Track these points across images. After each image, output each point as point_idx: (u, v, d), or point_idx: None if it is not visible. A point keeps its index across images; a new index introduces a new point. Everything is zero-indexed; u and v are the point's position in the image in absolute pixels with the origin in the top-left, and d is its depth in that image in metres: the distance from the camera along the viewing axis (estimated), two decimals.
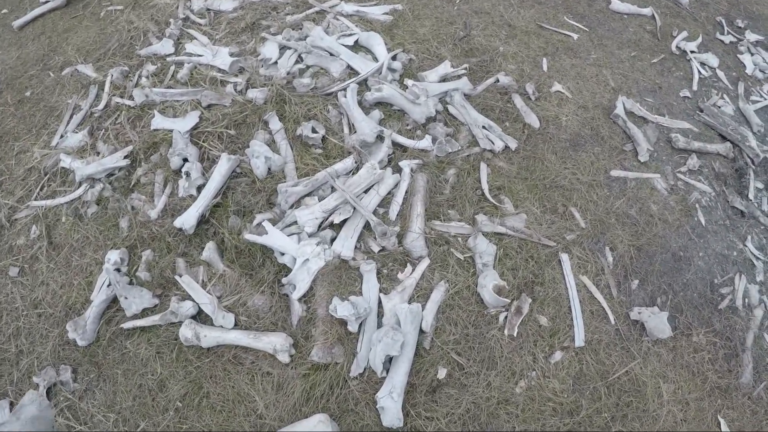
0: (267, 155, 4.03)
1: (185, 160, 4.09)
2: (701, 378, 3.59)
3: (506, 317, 3.57)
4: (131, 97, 4.66)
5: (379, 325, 3.44)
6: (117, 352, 3.50)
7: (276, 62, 4.81)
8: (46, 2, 5.90)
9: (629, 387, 3.49)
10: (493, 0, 5.62)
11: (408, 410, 3.23)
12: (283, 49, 4.89)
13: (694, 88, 5.23)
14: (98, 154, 4.31)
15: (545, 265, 3.80)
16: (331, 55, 4.79)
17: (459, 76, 4.80)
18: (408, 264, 3.74)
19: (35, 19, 5.81)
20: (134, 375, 3.42)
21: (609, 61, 5.27)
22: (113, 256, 3.71)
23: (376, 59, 4.79)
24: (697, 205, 4.32)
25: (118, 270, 3.75)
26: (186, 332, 3.40)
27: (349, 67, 4.73)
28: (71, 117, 4.68)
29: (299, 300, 3.54)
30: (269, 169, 4.08)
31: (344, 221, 3.82)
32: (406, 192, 4.01)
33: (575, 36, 5.42)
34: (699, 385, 3.56)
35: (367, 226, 3.81)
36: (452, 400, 3.29)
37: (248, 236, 3.71)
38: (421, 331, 3.45)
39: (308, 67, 4.75)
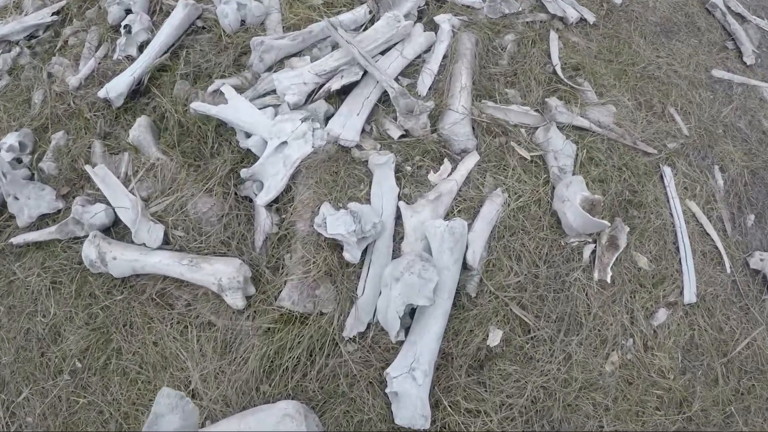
0: (241, 1, 2.14)
1: (129, 12, 2.43)
2: None
3: (594, 252, 1.91)
4: None
5: (397, 254, 1.79)
6: (2, 279, 2.05)
7: None
8: None
9: (751, 365, 2.02)
10: None
11: (438, 398, 1.68)
12: None
13: None
14: (22, 13, 2.70)
15: (644, 179, 2.13)
16: None
17: None
18: (445, 159, 1.92)
19: None
20: (20, 315, 1.97)
21: None
22: (10, 139, 2.20)
23: None
24: None
25: (18, 160, 2.17)
26: (89, 251, 1.86)
27: None
28: None
29: (268, 207, 1.89)
30: (243, 21, 2.28)
31: (348, 91, 2.03)
32: (445, 56, 2.17)
33: None
34: None
35: (383, 99, 2.05)
36: (510, 381, 1.74)
37: (196, 105, 2.00)
38: (465, 267, 1.76)
39: None
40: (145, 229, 1.85)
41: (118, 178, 2.02)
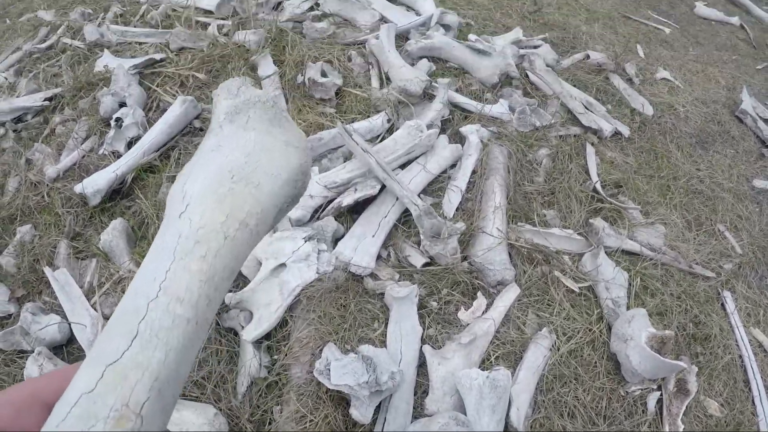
0: None
1: (123, 105, 2.21)
2: None
3: (660, 401, 1.57)
4: (83, 40, 2.75)
5: (418, 412, 1.44)
6: None
7: (281, 6, 2.73)
8: None
9: None
10: None
11: None
12: None
13: None
14: (15, 94, 2.50)
15: (706, 307, 1.85)
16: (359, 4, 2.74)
17: (535, 47, 2.69)
18: (479, 293, 1.58)
19: None
20: None
21: (711, 60, 3.42)
22: None
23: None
24: None
25: None
26: (32, 371, 1.54)
27: (382, 19, 2.63)
28: (6, 59, 2.86)
29: (257, 344, 1.53)
30: None
31: (361, 208, 1.76)
32: (474, 172, 1.88)
33: (667, 30, 3.63)
34: None
35: (403, 219, 1.78)
36: None
37: None
38: (507, 428, 1.39)
39: (325, 15, 2.66)
40: None
41: (81, 287, 1.74)
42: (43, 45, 2.79)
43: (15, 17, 3.34)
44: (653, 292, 1.79)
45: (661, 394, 1.58)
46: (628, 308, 1.68)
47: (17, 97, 2.45)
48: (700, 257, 1.98)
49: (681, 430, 1.52)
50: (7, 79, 2.60)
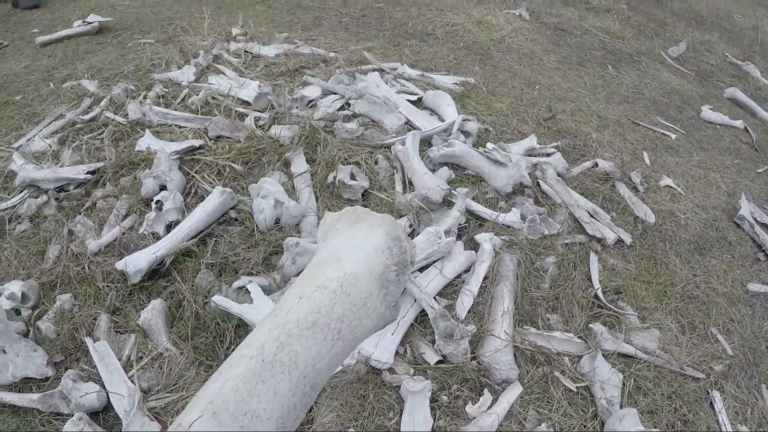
0: (279, 198, 2.22)
1: (163, 188, 2.44)
2: None
3: None
4: (126, 116, 3.01)
5: None
6: None
7: (314, 104, 3.01)
8: (77, 27, 4.50)
9: None
10: (578, 91, 4.16)
11: None
12: (327, 94, 3.10)
13: None
14: (59, 164, 2.70)
15: (695, 406, 2.02)
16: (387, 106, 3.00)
17: (548, 154, 2.95)
18: (485, 390, 1.76)
19: (60, 40, 4.37)
20: None
21: (714, 165, 3.66)
22: (13, 287, 2.04)
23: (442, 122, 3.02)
24: None
25: (16, 312, 2.02)
26: None
27: (408, 123, 2.93)
28: (49, 125, 3.09)
29: None
30: (278, 219, 2.27)
31: None
32: (486, 277, 2.09)
33: (673, 136, 3.87)
34: None
35: (420, 320, 1.99)
36: None
37: (219, 299, 1.90)
38: None
39: (355, 115, 2.94)
40: (138, 424, 1.64)
41: (120, 360, 1.86)
42: (87, 116, 3.05)
43: (59, 82, 3.62)
44: (645, 392, 1.97)
45: None
46: (621, 407, 1.85)
47: (61, 166, 2.63)
48: (692, 359, 2.15)
49: None
50: (51, 146, 2.81)
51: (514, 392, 1.80)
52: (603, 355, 1.97)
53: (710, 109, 4.44)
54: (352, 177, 2.40)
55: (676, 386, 2.04)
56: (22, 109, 3.33)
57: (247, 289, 1.95)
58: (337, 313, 0.57)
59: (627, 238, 2.61)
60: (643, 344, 2.12)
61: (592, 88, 4.22)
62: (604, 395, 1.87)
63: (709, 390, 2.10)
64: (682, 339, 2.26)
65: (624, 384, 1.95)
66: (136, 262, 2.04)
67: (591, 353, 1.97)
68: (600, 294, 2.25)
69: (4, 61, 4.12)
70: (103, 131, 2.92)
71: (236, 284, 1.99)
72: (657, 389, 2.00)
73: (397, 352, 1.83)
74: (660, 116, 4.11)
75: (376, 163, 2.58)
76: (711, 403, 2.06)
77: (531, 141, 3.02)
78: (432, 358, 1.82)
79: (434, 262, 2.09)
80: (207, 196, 2.34)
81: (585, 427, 1.80)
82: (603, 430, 1.80)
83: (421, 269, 2.07)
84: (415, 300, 1.91)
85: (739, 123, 4.29)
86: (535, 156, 2.95)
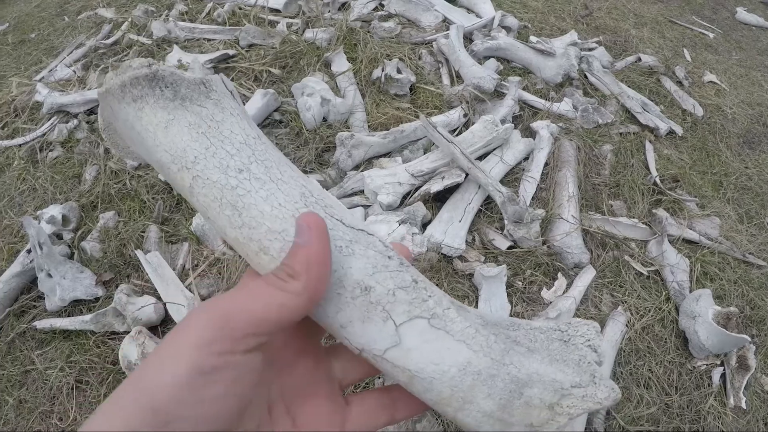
0: (325, 96, 2.11)
1: None
2: None
3: (723, 375, 1.69)
4: (150, 36, 2.87)
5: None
6: (17, 365, 1.65)
7: (346, 5, 2.88)
8: None
9: None
10: None
11: None
12: None
13: None
14: (86, 88, 2.58)
15: (761, 292, 1.96)
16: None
17: (590, 49, 2.83)
18: (559, 274, 1.71)
19: None
20: (32, 413, 1.55)
21: (754, 64, 3.54)
22: (52, 210, 1.91)
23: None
24: None
25: (58, 236, 1.88)
26: (130, 351, 1.49)
27: (445, 20, 2.77)
28: (70, 53, 2.97)
29: None
30: (325, 118, 2.16)
31: (442, 197, 1.89)
32: (546, 164, 2.00)
33: (711, 35, 3.74)
34: None
35: (486, 206, 1.91)
36: None
37: None
38: None
39: (390, 15, 2.81)
40: None
41: (173, 270, 1.74)
42: (108, 41, 2.89)
43: (73, 15, 3.45)
44: (712, 277, 1.91)
45: (724, 369, 1.72)
46: (690, 292, 1.82)
47: (88, 89, 2.52)
48: (753, 247, 2.10)
49: (743, 401, 1.66)
50: (75, 72, 2.70)
51: (587, 276, 1.74)
52: (668, 240, 1.91)
53: (745, 10, 4.27)
54: (398, 72, 2.29)
55: (741, 272, 1.98)
56: (39, 45, 3.20)
57: None
58: None
59: (678, 129, 2.52)
60: (705, 231, 2.06)
61: None
62: (674, 279, 1.81)
63: None
64: (741, 228, 2.19)
65: (691, 269, 1.89)
66: None
67: (657, 238, 1.91)
68: (658, 181, 2.17)
69: (13, 4, 3.96)
70: (128, 53, 2.79)
71: None
72: (723, 275, 1.94)
73: (465, 241, 1.77)
74: (696, 15, 3.95)
75: (419, 58, 2.47)
76: None
77: (572, 36, 2.89)
78: (503, 243, 1.75)
79: (493, 150, 2.01)
80: (246, 102, 2.24)
81: (660, 309, 1.75)
82: (679, 311, 1.76)
83: (481, 157, 1.99)
84: (479, 187, 1.84)
85: None
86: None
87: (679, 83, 2.89)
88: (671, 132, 2.50)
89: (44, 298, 1.72)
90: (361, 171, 1.92)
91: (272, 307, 0.38)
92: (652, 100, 2.66)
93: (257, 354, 0.39)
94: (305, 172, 1.99)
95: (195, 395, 0.34)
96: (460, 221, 1.76)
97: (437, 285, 1.42)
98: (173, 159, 0.44)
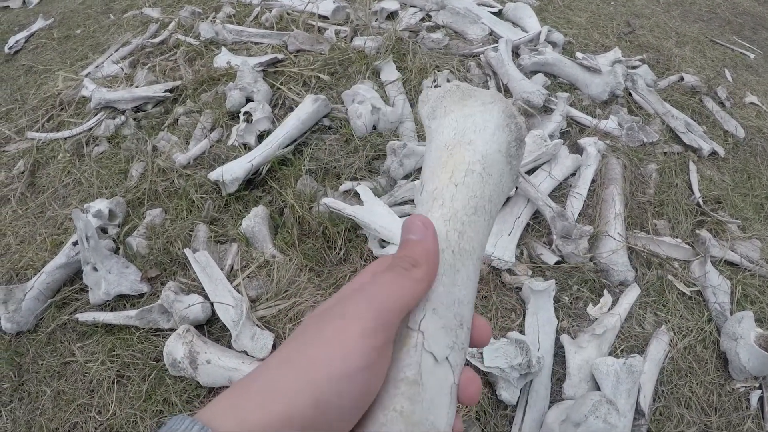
0: (375, 104, 2.14)
1: (249, 100, 2.37)
2: None
3: (761, 398, 1.70)
4: (198, 36, 2.94)
5: (555, 396, 1.58)
6: (57, 357, 1.70)
7: (394, 15, 2.93)
8: None
9: None
10: (652, 8, 4.00)
11: None
12: (405, 6, 3.01)
13: None
14: (133, 85, 2.67)
15: None
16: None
17: (634, 67, 2.85)
18: (605, 291, 1.73)
19: None
20: (69, 405, 1.59)
21: None
22: (99, 204, 1.97)
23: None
24: None
25: (104, 231, 1.94)
26: (176, 348, 1.54)
27: (491, 33, 2.81)
28: (117, 51, 3.04)
29: None
30: (374, 126, 2.20)
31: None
32: (593, 181, 2.02)
33: (752, 56, 3.73)
34: None
35: (534, 220, 1.96)
36: None
37: (329, 201, 1.84)
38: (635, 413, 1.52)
39: (437, 26, 2.85)
40: (248, 334, 1.57)
41: (221, 271, 1.78)
42: (155, 40, 2.98)
43: (119, 13, 3.55)
44: (752, 300, 1.93)
45: (762, 392, 1.73)
46: (731, 314, 1.83)
47: (136, 87, 2.59)
48: None
49: None
50: (123, 69, 2.76)
51: (633, 294, 1.77)
52: (710, 261, 1.93)
53: None
54: (448, 82, 2.33)
55: None
56: (85, 41, 3.29)
57: (355, 192, 1.92)
58: (487, 195, 0.54)
59: (720, 151, 2.53)
60: (746, 253, 2.07)
61: (666, 5, 4.05)
62: (716, 300, 1.83)
63: None
64: None
65: (732, 291, 1.91)
66: (232, 171, 1.97)
67: (700, 259, 1.93)
68: (701, 202, 2.19)
69: (59, 0, 4.06)
70: (175, 52, 2.86)
71: (343, 187, 1.95)
72: (763, 297, 1.95)
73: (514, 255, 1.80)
74: (736, 36, 3.95)
75: (468, 70, 2.51)
76: None
77: (616, 53, 2.91)
78: (551, 258, 1.79)
79: (541, 165, 2.04)
80: (295, 107, 2.26)
81: (702, 330, 1.78)
82: (720, 332, 1.78)
83: (529, 172, 2.02)
84: (528, 201, 1.87)
85: None
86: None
87: (721, 104, 2.90)
88: (713, 153, 2.52)
89: (87, 291, 1.77)
90: (412, 180, 1.96)
91: (407, 291, 0.42)
92: (694, 120, 2.68)
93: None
94: (355, 179, 2.04)
95: (355, 387, 0.36)
96: (509, 234, 1.79)
97: (485, 297, 1.45)
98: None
